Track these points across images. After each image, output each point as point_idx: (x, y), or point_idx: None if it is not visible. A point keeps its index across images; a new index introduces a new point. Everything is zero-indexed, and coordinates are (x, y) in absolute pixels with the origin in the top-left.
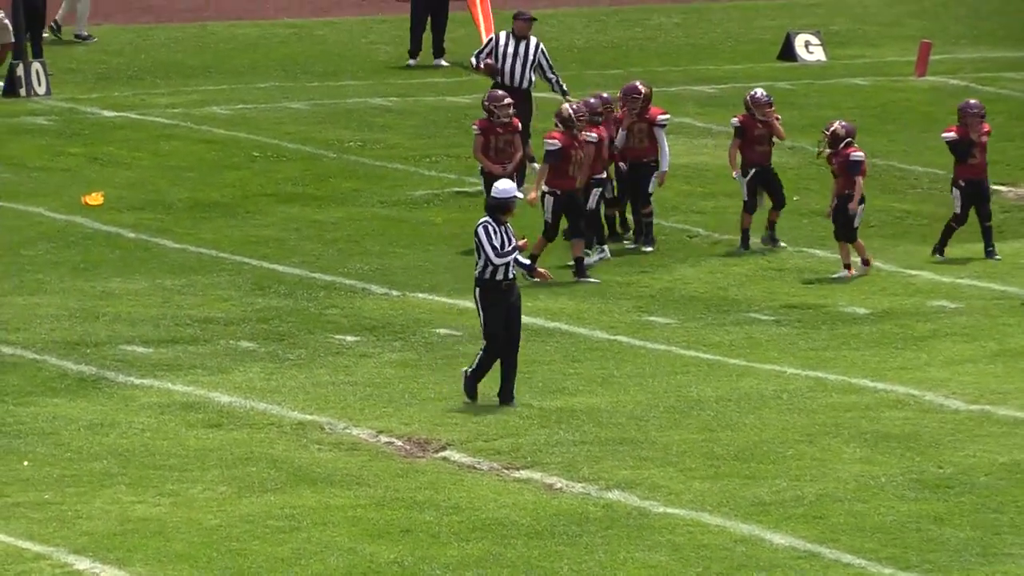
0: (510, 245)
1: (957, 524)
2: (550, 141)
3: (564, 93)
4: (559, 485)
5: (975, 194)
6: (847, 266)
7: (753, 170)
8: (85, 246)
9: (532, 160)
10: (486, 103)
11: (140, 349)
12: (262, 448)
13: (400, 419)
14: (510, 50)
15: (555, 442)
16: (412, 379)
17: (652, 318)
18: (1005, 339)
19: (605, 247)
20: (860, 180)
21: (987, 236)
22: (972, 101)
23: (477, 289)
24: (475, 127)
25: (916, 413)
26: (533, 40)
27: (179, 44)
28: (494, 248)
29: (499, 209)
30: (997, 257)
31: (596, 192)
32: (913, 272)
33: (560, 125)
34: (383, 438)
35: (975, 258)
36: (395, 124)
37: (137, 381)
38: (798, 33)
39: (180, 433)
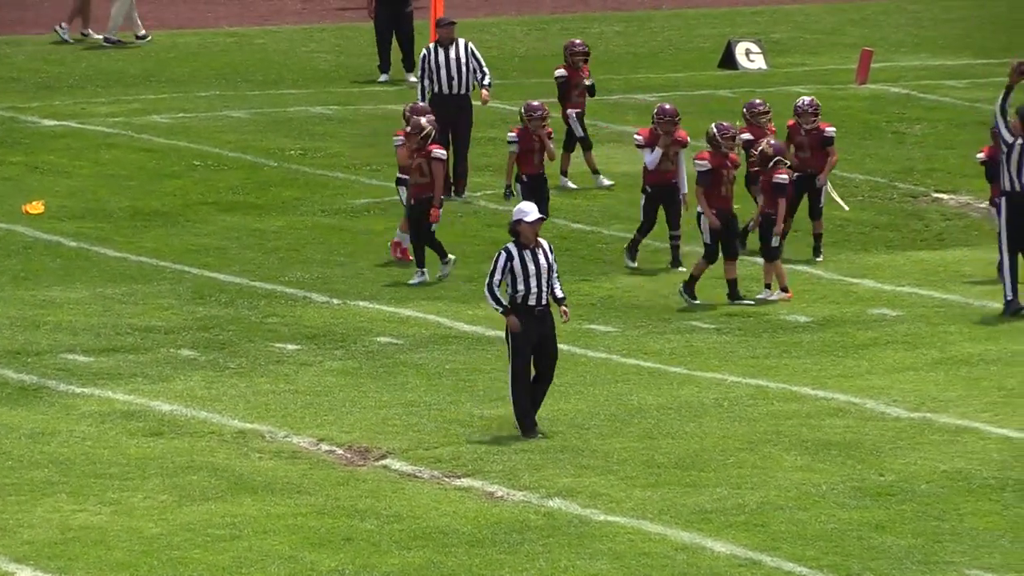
0: (534, 268)
1: (898, 532)
2: (699, 162)
3: (483, 84)
4: (500, 493)
5: None
6: (768, 286)
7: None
8: (26, 255)
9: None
10: None
11: (81, 358)
12: (203, 456)
13: (341, 427)
14: (441, 60)
15: (496, 450)
16: (353, 387)
17: (593, 326)
18: (946, 347)
19: (450, 257)
20: (782, 202)
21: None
22: None
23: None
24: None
25: (857, 421)
26: (462, 42)
27: (120, 53)
28: (490, 274)
29: (511, 232)
30: None
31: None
32: (854, 280)
33: (708, 145)
34: (324, 446)
35: (916, 265)
36: (336, 133)
37: (78, 390)
38: (739, 41)
39: (121, 442)
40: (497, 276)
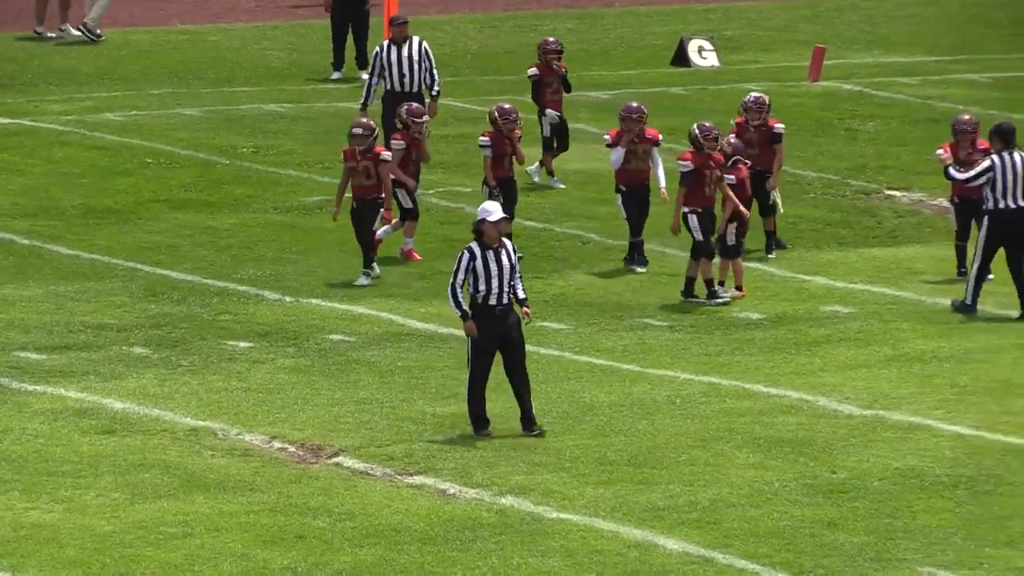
0: (496, 269)
1: (851, 529)
2: (682, 163)
3: (432, 91)
4: (452, 491)
5: (970, 212)
6: (720, 283)
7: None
8: None
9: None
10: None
11: (33, 355)
12: (155, 454)
13: (293, 425)
14: (394, 58)
15: (448, 448)
16: (305, 385)
17: (545, 323)
18: (898, 344)
19: (375, 269)
20: (730, 201)
21: (959, 254)
22: (964, 117)
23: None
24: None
25: (809, 418)
26: (416, 40)
27: (73, 51)
28: (454, 274)
29: (474, 231)
30: (963, 270)
31: (382, 212)
32: (807, 277)
33: (691, 146)
34: (276, 444)
35: (869, 263)
36: (288, 130)
37: (30, 387)
38: (691, 38)
39: (73, 439)
40: (460, 276)
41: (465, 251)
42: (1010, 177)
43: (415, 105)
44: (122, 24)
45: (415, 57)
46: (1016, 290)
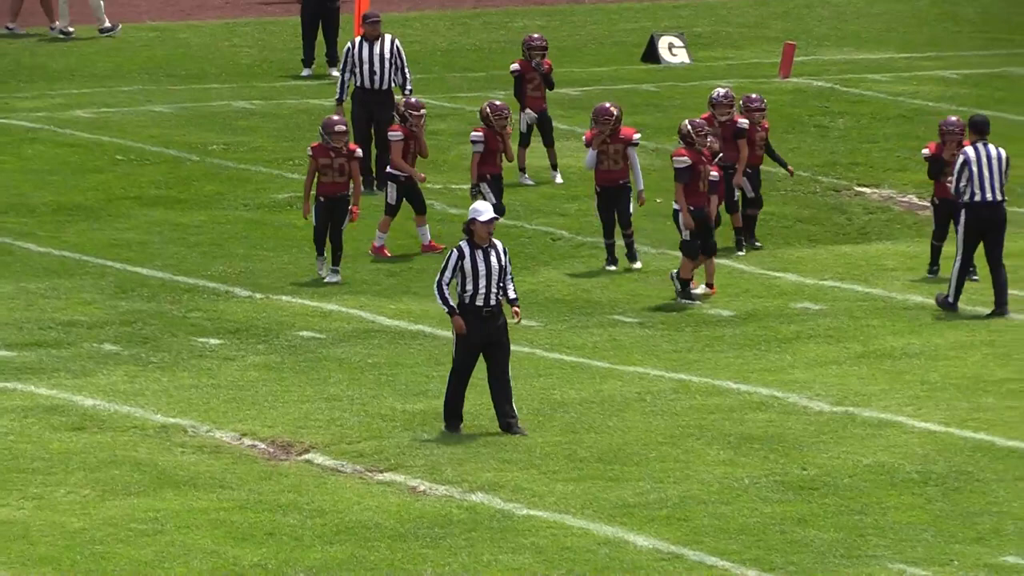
0: (485, 269)
1: (821, 526)
2: (679, 159)
3: (405, 90)
4: (422, 488)
5: (949, 213)
6: (689, 280)
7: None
8: None
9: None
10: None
11: (3, 352)
12: (125, 451)
13: (263, 422)
14: (365, 55)
15: (418, 445)
16: (275, 382)
17: None
18: (869, 341)
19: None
20: (714, 198)
21: (934, 253)
22: (952, 118)
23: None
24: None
25: (780, 415)
26: (388, 38)
27: (42, 47)
28: (441, 271)
29: (465, 231)
30: (935, 268)
31: (352, 211)
32: (777, 274)
33: (681, 142)
34: (246, 441)
35: (839, 259)
36: (258, 127)
37: (0, 384)
38: (662, 35)
39: (44, 436)
40: (448, 274)
41: (455, 250)
42: (986, 170)
43: (414, 98)
44: (92, 21)
45: (386, 55)
46: (992, 285)
